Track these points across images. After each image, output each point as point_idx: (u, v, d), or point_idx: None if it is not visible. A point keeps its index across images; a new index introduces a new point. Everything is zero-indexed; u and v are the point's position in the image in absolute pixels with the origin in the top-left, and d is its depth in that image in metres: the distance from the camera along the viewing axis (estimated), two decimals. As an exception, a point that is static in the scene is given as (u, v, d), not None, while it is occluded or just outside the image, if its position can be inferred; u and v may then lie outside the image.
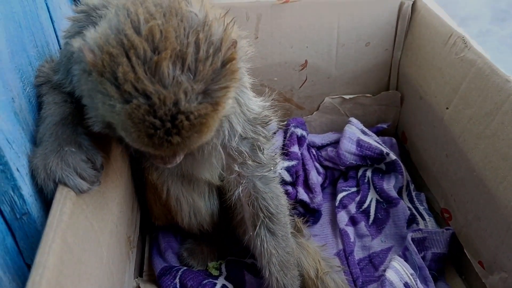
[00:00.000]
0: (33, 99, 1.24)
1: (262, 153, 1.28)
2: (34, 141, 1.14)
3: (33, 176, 1.04)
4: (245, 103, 1.21)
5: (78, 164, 1.04)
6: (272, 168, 1.33)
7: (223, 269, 1.65)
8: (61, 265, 0.91)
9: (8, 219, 1.04)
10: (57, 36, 1.46)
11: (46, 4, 1.40)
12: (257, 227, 1.36)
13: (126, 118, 0.89)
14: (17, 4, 1.20)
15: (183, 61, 0.88)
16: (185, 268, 1.60)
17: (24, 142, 1.05)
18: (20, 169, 1.00)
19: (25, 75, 1.21)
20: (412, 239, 1.66)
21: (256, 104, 1.25)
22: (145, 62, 0.87)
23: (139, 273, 1.68)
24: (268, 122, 1.28)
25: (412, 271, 1.53)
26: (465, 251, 1.58)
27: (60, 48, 1.44)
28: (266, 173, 1.32)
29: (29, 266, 1.11)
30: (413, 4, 1.91)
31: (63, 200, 1.00)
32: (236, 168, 1.29)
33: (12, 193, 1.01)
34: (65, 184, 1.03)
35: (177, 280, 1.54)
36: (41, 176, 1.03)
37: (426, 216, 1.80)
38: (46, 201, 1.09)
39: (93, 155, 1.09)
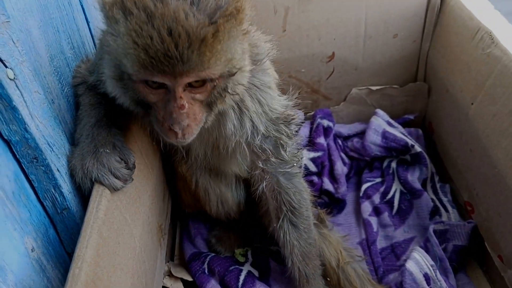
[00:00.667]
0: (71, 99, 1.33)
1: (285, 151, 1.33)
2: (72, 140, 1.23)
3: (72, 175, 1.14)
4: (267, 103, 1.26)
5: (112, 164, 1.13)
6: (295, 164, 1.38)
7: (249, 256, 1.73)
8: (98, 257, 1.01)
9: (50, 213, 1.15)
10: (92, 36, 1.54)
11: (82, 5, 1.47)
12: (280, 220, 1.43)
13: (127, 36, 0.95)
14: (55, 9, 1.28)
15: None
16: (213, 254, 1.68)
17: (63, 144, 1.13)
18: (60, 169, 1.10)
19: (63, 76, 1.30)
20: (434, 231, 1.69)
21: (279, 103, 1.30)
22: None
23: (171, 257, 1.78)
24: (291, 121, 1.33)
25: (432, 262, 1.57)
26: (486, 245, 1.60)
27: (95, 48, 1.51)
28: (289, 169, 1.38)
29: (69, 255, 1.22)
30: (443, -5, 1.90)
31: (98, 198, 1.09)
32: (260, 165, 1.35)
33: (53, 191, 1.11)
34: (101, 183, 1.12)
35: (205, 266, 1.63)
36: (79, 175, 1.12)
37: (450, 208, 1.83)
38: (84, 197, 1.19)
39: (126, 155, 1.18)
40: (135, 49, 0.95)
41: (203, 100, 1.07)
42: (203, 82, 1.04)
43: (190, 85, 1.03)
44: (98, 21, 1.28)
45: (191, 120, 1.06)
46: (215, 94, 1.08)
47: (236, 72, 1.07)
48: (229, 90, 1.10)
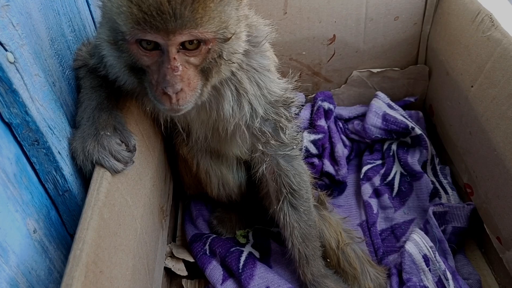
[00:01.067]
0: (72, 81, 1.34)
1: (285, 134, 1.34)
2: (74, 123, 1.24)
3: (73, 158, 1.15)
4: (266, 86, 1.27)
5: (113, 147, 1.14)
6: (294, 147, 1.39)
7: (250, 237, 1.75)
8: (99, 239, 1.02)
9: (52, 195, 1.17)
10: (93, 18, 1.54)
11: (82, -12, 1.47)
12: (280, 202, 1.44)
13: None
14: (55, -8, 1.28)
15: None
16: (214, 236, 1.70)
17: (64, 127, 1.14)
18: (61, 152, 1.11)
19: (64, 59, 1.30)
20: (434, 213, 1.71)
21: (278, 86, 1.31)
22: None
23: (173, 238, 1.80)
24: (290, 103, 1.34)
25: (432, 244, 1.59)
26: (485, 227, 1.62)
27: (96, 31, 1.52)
28: (288, 152, 1.38)
29: (71, 236, 1.24)
30: (445, -23, 1.89)
31: (99, 180, 1.10)
32: (260, 147, 1.36)
33: (54, 173, 1.12)
34: (102, 165, 1.13)
35: (207, 247, 1.65)
36: (80, 158, 1.13)
37: (449, 190, 1.84)
38: (85, 179, 1.21)
39: (127, 138, 1.19)
40: (128, 6, 0.97)
41: (198, 65, 1.07)
42: (197, 45, 1.04)
43: (184, 47, 1.03)
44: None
45: (185, 85, 1.05)
46: (210, 60, 1.07)
47: (230, 38, 1.07)
48: (224, 57, 1.09)
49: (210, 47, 1.05)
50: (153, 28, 0.97)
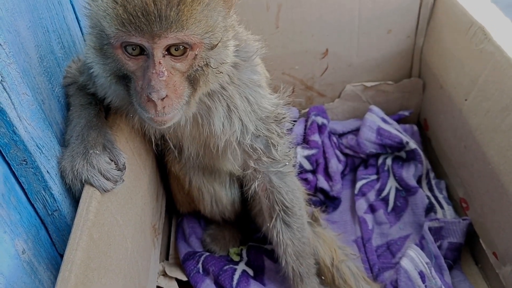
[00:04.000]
0: (62, 99, 1.32)
1: (276, 150, 1.32)
2: (63, 142, 1.23)
3: (62, 177, 1.13)
4: (256, 102, 1.26)
5: (102, 165, 1.13)
6: (287, 163, 1.38)
7: (244, 255, 1.73)
8: (88, 260, 1.00)
9: (41, 215, 1.14)
10: (83, 35, 1.53)
11: (72, 4, 1.46)
12: (273, 219, 1.42)
13: None
14: (44, 9, 1.27)
15: None
16: (207, 253, 1.68)
17: (53, 145, 1.13)
18: (50, 171, 1.09)
19: (54, 76, 1.29)
20: (429, 228, 1.69)
21: (269, 102, 1.29)
22: None
23: (166, 256, 1.78)
24: (282, 119, 1.32)
25: (428, 260, 1.57)
26: (481, 241, 1.60)
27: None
28: (281, 169, 1.37)
29: (61, 256, 1.21)
30: (436, -10, 1.89)
31: (88, 200, 1.09)
32: (252, 164, 1.34)
33: (43, 193, 1.10)
34: (91, 184, 1.11)
35: (200, 265, 1.62)
36: (69, 177, 1.12)
37: (445, 205, 1.82)
38: (75, 198, 1.19)
39: (116, 156, 1.17)
40: (113, 8, 0.96)
41: (184, 71, 1.05)
42: (183, 51, 1.02)
43: (170, 53, 1.02)
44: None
45: (170, 91, 1.02)
46: (197, 67, 1.06)
47: (217, 45, 1.06)
48: (211, 65, 1.08)
49: (196, 52, 1.03)
50: (138, 30, 0.96)
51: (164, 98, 1.01)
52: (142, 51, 1.02)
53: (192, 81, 1.08)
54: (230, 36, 1.13)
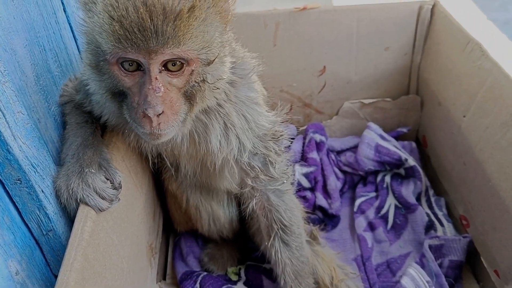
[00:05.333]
0: (58, 117, 1.31)
1: (274, 168, 1.31)
2: (59, 160, 1.21)
3: (57, 196, 1.12)
4: (254, 119, 1.25)
5: (98, 184, 1.11)
6: (285, 181, 1.36)
7: (242, 274, 1.70)
8: (83, 281, 0.98)
9: (35, 235, 1.13)
10: (80, 53, 1.53)
11: (69, 23, 1.46)
12: (272, 238, 1.40)
13: (103, 12, 0.95)
14: (41, 28, 1.27)
15: None
16: (205, 273, 1.65)
17: (48, 164, 1.11)
18: (45, 191, 1.08)
19: (50, 95, 1.28)
20: (430, 246, 1.67)
21: (266, 119, 1.29)
22: None
23: (163, 276, 1.75)
24: (279, 137, 1.31)
25: (428, 279, 1.55)
26: (482, 259, 1.58)
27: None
28: (279, 187, 1.35)
29: (56, 277, 1.19)
30: (433, 8, 1.90)
31: (84, 219, 1.07)
32: (249, 182, 1.33)
33: (38, 212, 1.09)
34: (86, 204, 1.10)
35: (197, 285, 1.60)
36: (64, 196, 1.10)
37: (445, 222, 1.81)
38: (70, 218, 1.17)
39: (112, 175, 1.16)
40: (110, 24, 0.95)
41: (181, 87, 1.04)
42: (180, 66, 1.02)
43: (167, 68, 1.01)
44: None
45: (167, 107, 1.01)
46: (193, 83, 1.05)
47: (214, 61, 1.05)
48: (208, 81, 1.07)
49: (193, 68, 1.03)
50: (135, 47, 0.95)
51: (160, 114, 1.01)
52: (138, 66, 1.01)
53: (189, 97, 1.07)
54: (227, 52, 1.13)
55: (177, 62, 1.01)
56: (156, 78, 0.99)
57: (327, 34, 1.95)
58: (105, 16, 0.96)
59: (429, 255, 1.64)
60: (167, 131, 1.05)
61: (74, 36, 1.49)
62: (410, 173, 1.94)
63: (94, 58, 1.05)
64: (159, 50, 0.96)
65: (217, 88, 1.12)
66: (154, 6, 0.93)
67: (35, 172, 1.05)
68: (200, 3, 0.97)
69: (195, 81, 1.05)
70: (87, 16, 1.01)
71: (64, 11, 1.43)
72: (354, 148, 2.07)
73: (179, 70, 1.02)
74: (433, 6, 1.89)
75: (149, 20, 0.93)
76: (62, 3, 1.41)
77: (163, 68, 1.01)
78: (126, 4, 0.93)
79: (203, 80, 1.06)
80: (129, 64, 1.01)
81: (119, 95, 1.08)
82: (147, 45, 0.95)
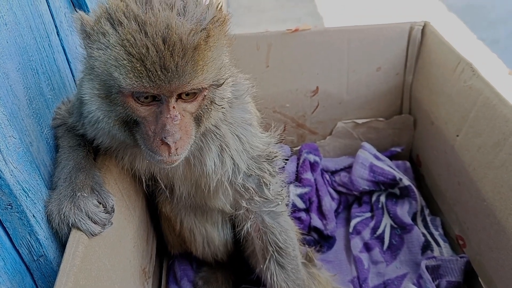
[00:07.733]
0: (51, 141, 1.30)
1: (269, 189, 1.31)
2: (51, 184, 1.20)
3: (49, 221, 1.10)
4: (248, 141, 1.25)
5: (90, 209, 1.10)
6: (279, 203, 1.36)
7: (237, 298, 1.68)
8: (74, 308, 0.96)
9: (26, 261, 1.10)
10: (73, 76, 1.52)
11: (63, 46, 1.46)
12: (267, 261, 1.39)
13: (119, 46, 0.95)
14: (34, 52, 1.26)
15: (172, 6, 0.97)
16: (199, 297, 1.63)
17: (40, 188, 1.10)
18: (36, 215, 1.06)
19: (43, 118, 1.27)
20: (427, 267, 1.66)
21: (260, 141, 1.29)
22: (136, 1, 0.97)
23: (157, 300, 1.72)
24: (273, 158, 1.31)
25: (426, 300, 1.54)
26: (480, 280, 1.57)
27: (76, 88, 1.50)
28: (273, 208, 1.35)
29: (47, 304, 1.17)
30: (423, 28, 1.92)
31: (75, 244, 1.05)
32: (244, 204, 1.32)
33: (29, 238, 1.07)
34: (78, 228, 1.08)
35: (192, 309, 1.58)
36: (56, 221, 1.08)
37: (441, 242, 1.79)
38: (61, 243, 1.15)
39: (104, 199, 1.14)
40: (129, 60, 0.94)
41: (193, 112, 1.06)
42: (194, 94, 1.03)
43: (180, 96, 1.02)
44: (79, 61, 1.27)
45: (183, 133, 1.03)
46: (204, 106, 1.07)
47: (223, 83, 1.07)
48: (216, 102, 1.09)
49: (205, 93, 1.05)
50: (156, 83, 0.96)
51: (177, 140, 1.02)
52: (154, 97, 1.01)
53: (198, 118, 1.09)
54: (231, 73, 1.14)
55: (193, 91, 1.02)
56: (173, 108, 1.01)
57: (319, 55, 1.96)
58: (121, 51, 0.95)
59: (426, 276, 1.62)
60: (183, 155, 1.06)
61: (67, 59, 1.49)
62: (405, 193, 1.93)
63: (104, 89, 1.03)
64: (179, 87, 0.98)
65: (223, 107, 1.14)
66: (173, 43, 0.93)
67: (26, 197, 1.03)
68: (214, 32, 0.99)
69: (206, 104, 1.07)
70: (95, 47, 1.00)
71: (58, 34, 1.43)
72: (349, 168, 2.07)
73: (193, 97, 1.04)
74: (424, 26, 1.91)
75: (170, 58, 0.93)
76: (56, 26, 1.41)
77: (177, 96, 1.02)
78: (144, 41, 0.93)
79: (212, 102, 1.08)
80: (145, 97, 1.01)
81: (130, 124, 1.07)
82: (169, 85, 0.96)
